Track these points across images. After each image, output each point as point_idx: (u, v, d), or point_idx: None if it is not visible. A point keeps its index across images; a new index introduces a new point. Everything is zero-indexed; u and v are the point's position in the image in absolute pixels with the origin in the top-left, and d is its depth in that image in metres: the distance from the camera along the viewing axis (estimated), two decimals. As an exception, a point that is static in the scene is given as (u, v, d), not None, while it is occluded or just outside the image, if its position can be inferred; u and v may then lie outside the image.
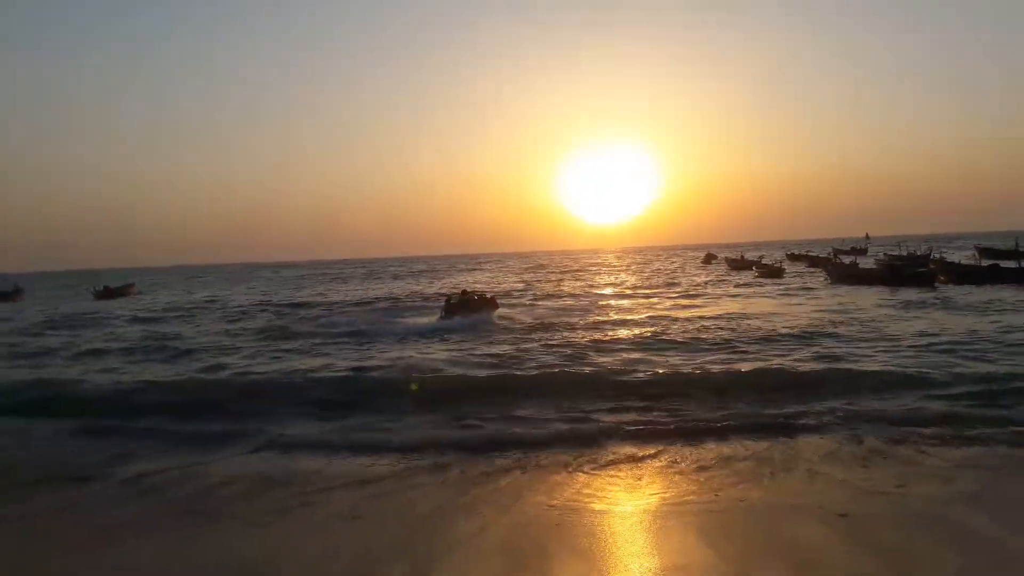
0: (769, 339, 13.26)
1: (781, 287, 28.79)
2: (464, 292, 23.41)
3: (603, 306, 23.12)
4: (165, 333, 19.03)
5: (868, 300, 20.76)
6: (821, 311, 18.33)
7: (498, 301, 22.93)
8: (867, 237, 61.21)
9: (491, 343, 14.72)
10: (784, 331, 14.24)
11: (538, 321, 18.69)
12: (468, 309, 21.07)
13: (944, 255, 35.37)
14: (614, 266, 64.98)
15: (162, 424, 8.55)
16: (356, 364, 12.46)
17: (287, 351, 14.65)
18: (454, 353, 13.34)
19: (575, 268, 64.25)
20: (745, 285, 30.90)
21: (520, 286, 36.62)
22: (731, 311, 19.21)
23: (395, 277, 57.40)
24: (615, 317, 19.33)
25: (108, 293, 43.00)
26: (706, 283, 32.90)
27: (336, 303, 29.54)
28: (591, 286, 35.76)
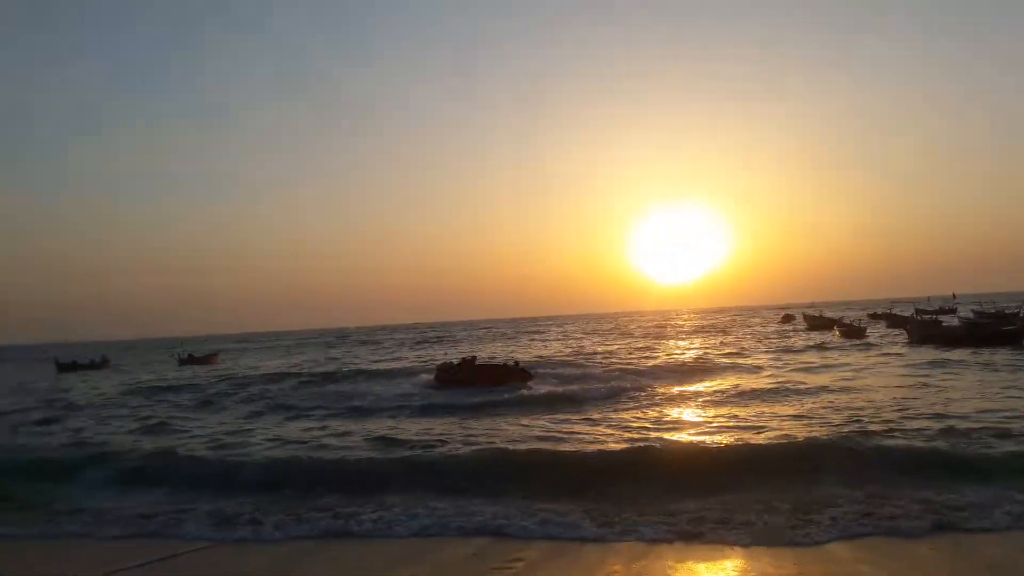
0: (875, 416, 12.25)
1: (863, 349, 28.20)
2: (471, 358, 20.19)
3: (672, 376, 21.26)
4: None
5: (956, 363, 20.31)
6: (908, 378, 17.69)
7: (530, 372, 19.67)
8: (953, 297, 59.98)
9: (533, 416, 14.13)
10: (878, 404, 13.56)
11: (595, 393, 17.26)
12: (474, 378, 18.01)
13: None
14: (687, 329, 62.44)
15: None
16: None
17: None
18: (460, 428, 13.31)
19: (644, 330, 62.24)
20: (830, 347, 30.16)
21: (578, 349, 35.78)
22: (823, 383, 17.78)
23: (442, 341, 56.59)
24: (693, 390, 17.67)
25: (192, 360, 45.30)
26: (789, 347, 31.91)
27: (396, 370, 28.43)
28: (658, 350, 33.89)
